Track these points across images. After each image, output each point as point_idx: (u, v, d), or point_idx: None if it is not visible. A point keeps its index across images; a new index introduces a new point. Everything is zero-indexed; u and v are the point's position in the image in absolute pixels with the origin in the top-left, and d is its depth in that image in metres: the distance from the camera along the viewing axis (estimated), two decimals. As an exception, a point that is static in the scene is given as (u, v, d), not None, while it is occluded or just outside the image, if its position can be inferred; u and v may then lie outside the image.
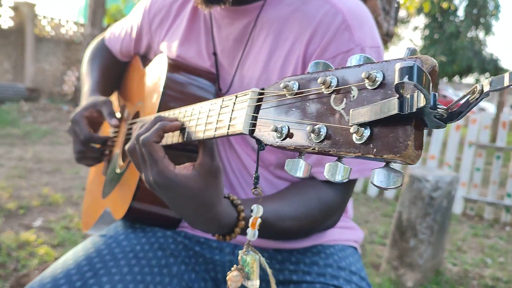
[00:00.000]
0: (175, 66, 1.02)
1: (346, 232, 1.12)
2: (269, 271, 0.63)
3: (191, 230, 1.07)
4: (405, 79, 0.33)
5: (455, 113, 0.37)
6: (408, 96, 0.36)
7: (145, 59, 1.26)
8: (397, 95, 0.35)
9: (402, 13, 15.05)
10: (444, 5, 11.96)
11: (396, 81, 0.34)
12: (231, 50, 1.04)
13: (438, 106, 0.36)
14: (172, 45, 1.13)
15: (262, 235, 0.89)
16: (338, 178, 0.42)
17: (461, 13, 14.11)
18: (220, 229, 0.78)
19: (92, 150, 1.12)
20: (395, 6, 2.03)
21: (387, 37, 2.05)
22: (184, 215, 0.77)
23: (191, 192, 0.71)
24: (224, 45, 1.05)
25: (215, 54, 1.06)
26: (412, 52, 0.39)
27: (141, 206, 0.98)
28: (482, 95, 0.35)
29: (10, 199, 3.72)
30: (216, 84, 1.04)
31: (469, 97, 0.35)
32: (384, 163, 0.40)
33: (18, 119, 8.39)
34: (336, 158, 0.43)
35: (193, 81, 1.01)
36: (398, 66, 0.34)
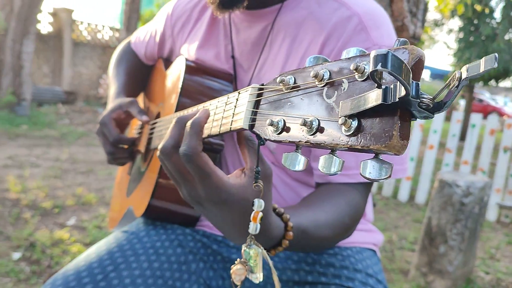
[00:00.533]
0: (193, 67, 1.03)
1: (364, 235, 1.11)
2: (270, 263, 0.63)
3: (209, 228, 1.09)
4: (379, 67, 0.33)
5: (442, 103, 0.37)
6: (392, 86, 0.36)
7: (168, 62, 1.29)
8: (376, 85, 0.36)
9: (436, 16, 14.72)
10: (478, 7, 11.59)
11: (371, 68, 0.34)
12: (249, 53, 1.05)
13: (422, 95, 0.36)
14: (192, 48, 1.15)
15: (302, 249, 0.82)
16: (333, 170, 0.43)
17: (497, 15, 13.65)
18: (267, 242, 0.68)
19: (121, 151, 1.13)
20: (423, 8, 2.00)
21: (414, 40, 2.02)
22: (232, 232, 0.67)
23: (248, 204, 0.61)
24: (242, 49, 1.07)
25: (233, 57, 1.08)
26: (402, 43, 0.39)
27: (160, 204, 1.00)
28: (461, 82, 0.35)
29: (46, 198, 3.85)
30: (233, 84, 1.05)
31: (451, 86, 0.35)
32: (374, 155, 0.40)
33: (55, 121, 8.67)
34: (330, 151, 0.44)
35: (211, 81, 1.03)
36: (372, 54, 0.35)
